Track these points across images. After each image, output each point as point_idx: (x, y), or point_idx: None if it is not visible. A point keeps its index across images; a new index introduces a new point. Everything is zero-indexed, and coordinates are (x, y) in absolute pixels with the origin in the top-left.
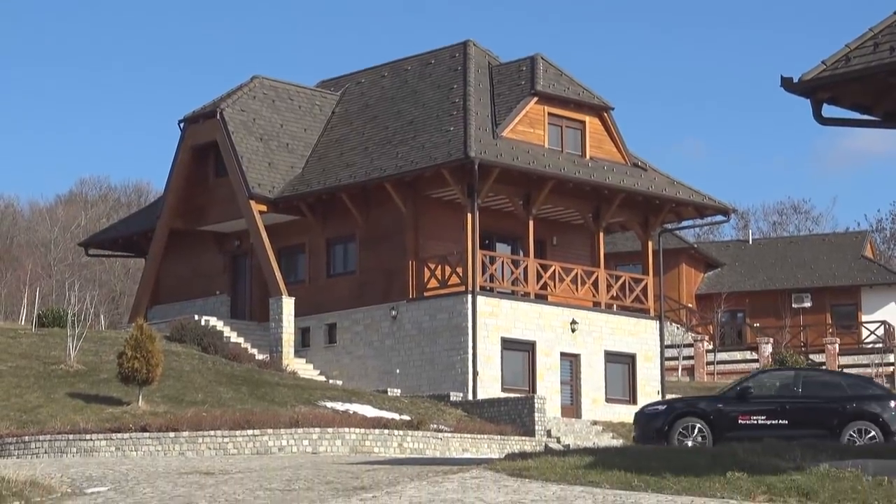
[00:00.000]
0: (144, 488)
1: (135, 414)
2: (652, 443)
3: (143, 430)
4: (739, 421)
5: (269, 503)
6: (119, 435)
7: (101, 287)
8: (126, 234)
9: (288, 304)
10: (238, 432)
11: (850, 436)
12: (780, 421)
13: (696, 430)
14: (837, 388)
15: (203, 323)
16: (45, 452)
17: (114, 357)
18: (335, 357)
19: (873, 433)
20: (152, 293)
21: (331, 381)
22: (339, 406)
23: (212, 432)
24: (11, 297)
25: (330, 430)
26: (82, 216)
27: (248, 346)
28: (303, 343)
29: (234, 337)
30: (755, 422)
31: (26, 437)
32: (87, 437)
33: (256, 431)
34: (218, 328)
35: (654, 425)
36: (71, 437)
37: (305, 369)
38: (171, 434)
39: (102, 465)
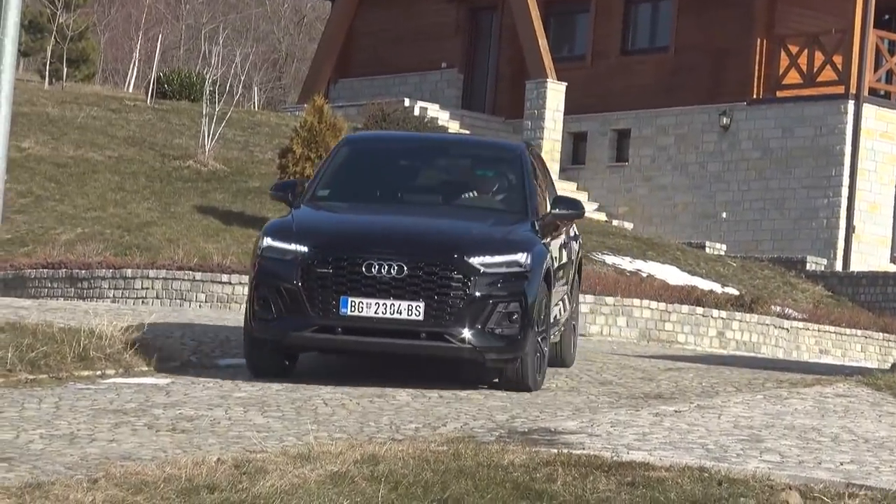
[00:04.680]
0: None
1: None
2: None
3: None
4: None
5: (507, 407)
6: None
7: (259, 43)
8: None
9: (555, 94)
10: None
11: None
12: None
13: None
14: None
15: (417, 112)
16: (157, 297)
17: (273, 154)
18: (624, 184)
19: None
20: (338, 59)
21: (615, 223)
22: (626, 263)
23: None
24: (118, 48)
25: (610, 300)
26: None
27: None
28: (574, 158)
29: None
30: None
31: (128, 272)
32: (224, 277)
33: None
34: (440, 121)
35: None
36: (199, 275)
37: None
38: None
39: None
